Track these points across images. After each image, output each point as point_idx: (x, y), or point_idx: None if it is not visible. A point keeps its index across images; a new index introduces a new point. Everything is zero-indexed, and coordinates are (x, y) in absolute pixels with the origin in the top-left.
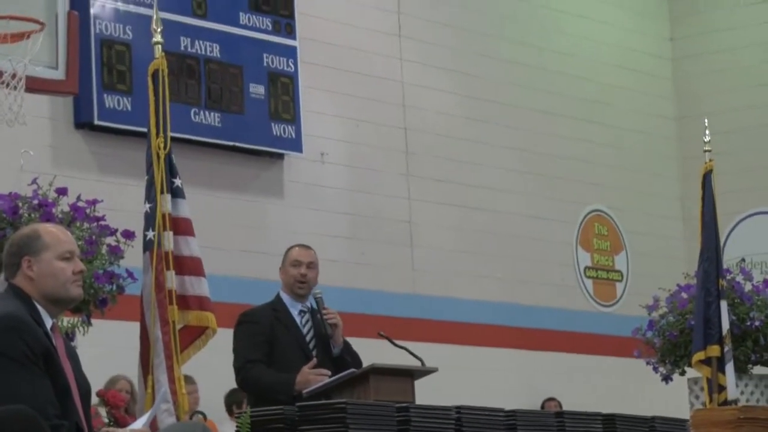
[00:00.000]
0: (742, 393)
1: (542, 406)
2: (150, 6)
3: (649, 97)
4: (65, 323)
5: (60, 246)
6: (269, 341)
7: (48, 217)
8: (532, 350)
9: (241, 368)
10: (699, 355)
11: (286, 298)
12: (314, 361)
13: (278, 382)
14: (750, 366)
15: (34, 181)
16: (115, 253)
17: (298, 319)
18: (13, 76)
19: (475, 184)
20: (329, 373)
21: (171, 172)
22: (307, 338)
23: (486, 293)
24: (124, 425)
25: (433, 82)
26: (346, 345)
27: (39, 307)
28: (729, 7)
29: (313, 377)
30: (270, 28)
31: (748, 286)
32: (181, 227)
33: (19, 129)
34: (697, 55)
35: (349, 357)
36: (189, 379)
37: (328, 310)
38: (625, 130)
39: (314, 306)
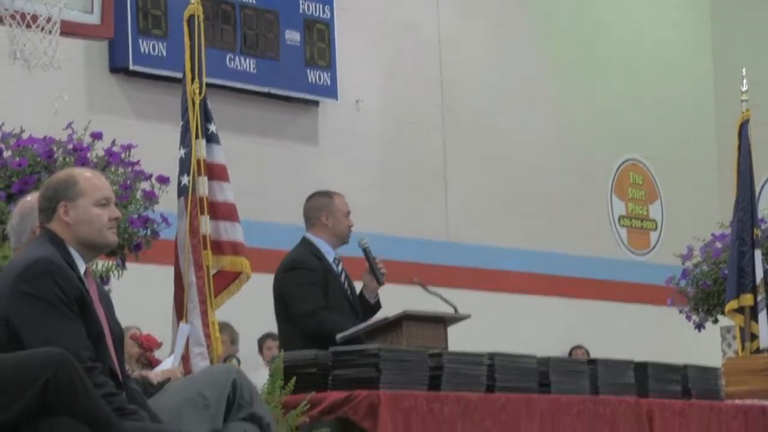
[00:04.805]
0: None
1: (570, 354)
2: None
3: (686, 45)
4: (100, 267)
5: (97, 192)
6: (324, 291)
7: (83, 162)
8: (566, 297)
9: (314, 312)
10: (732, 304)
11: (322, 244)
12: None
13: (360, 327)
14: None
15: (69, 126)
16: (150, 197)
17: (334, 267)
18: (48, 20)
19: (510, 136)
20: None
21: (206, 117)
22: (345, 286)
23: (520, 241)
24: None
25: (469, 34)
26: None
27: (73, 252)
28: None
29: None
30: None
31: None
32: (216, 172)
33: (54, 73)
34: (735, 4)
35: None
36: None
37: (377, 259)
38: (661, 78)
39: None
